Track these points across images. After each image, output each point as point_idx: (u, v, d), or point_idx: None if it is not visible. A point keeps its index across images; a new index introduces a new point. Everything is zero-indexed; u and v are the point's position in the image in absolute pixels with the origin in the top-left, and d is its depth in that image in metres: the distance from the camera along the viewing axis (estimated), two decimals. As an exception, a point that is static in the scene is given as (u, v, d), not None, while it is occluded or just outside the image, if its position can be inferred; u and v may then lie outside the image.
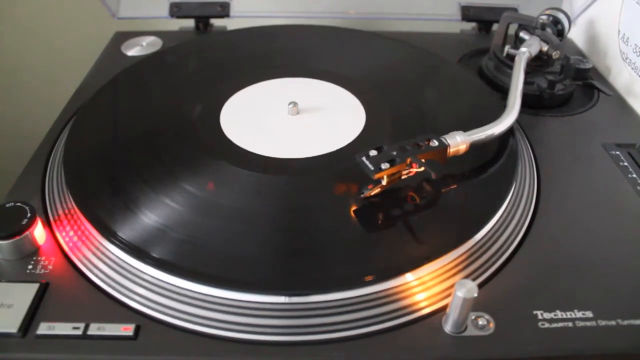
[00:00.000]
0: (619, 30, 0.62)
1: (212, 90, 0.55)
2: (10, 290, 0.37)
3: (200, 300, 0.36)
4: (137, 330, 0.35)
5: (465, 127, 0.45)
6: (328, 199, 0.43)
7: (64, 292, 0.37)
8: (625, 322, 0.36)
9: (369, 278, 0.36)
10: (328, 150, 0.47)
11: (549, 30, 0.58)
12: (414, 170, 0.42)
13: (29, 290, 0.37)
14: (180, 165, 0.46)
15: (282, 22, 0.70)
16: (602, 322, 0.36)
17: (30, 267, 0.39)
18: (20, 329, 0.34)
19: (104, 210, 0.41)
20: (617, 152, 0.51)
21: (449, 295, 0.35)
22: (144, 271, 0.38)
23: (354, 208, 0.42)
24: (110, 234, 0.39)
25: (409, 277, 0.37)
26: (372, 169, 0.40)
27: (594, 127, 0.55)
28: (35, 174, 0.47)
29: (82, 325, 0.35)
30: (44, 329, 0.35)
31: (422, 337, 0.35)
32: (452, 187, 0.44)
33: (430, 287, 0.37)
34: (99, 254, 0.39)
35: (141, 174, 0.45)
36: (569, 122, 0.56)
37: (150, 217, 0.41)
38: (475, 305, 0.35)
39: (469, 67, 0.64)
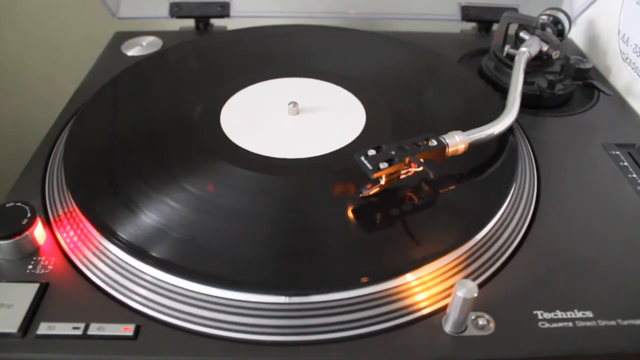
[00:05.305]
0: (619, 30, 0.62)
1: (212, 90, 0.55)
2: (10, 290, 0.37)
3: (200, 300, 0.36)
4: (137, 330, 0.35)
5: (465, 127, 0.45)
6: (328, 199, 0.43)
7: (64, 292, 0.37)
8: (625, 322, 0.36)
9: (364, 279, 0.36)
10: (328, 150, 0.47)
11: (549, 30, 0.58)
12: (413, 169, 0.42)
13: (29, 290, 0.37)
14: (180, 165, 0.45)
15: (282, 22, 0.70)
16: (602, 322, 0.36)
17: (30, 267, 0.39)
18: (20, 329, 0.34)
19: (104, 210, 0.41)
20: (617, 152, 0.51)
21: (449, 295, 0.35)
22: (144, 271, 0.38)
23: (353, 208, 0.42)
24: (110, 234, 0.39)
25: (409, 277, 0.37)
26: (371, 168, 0.40)
27: (594, 127, 0.55)
28: (35, 174, 0.47)
29: (82, 325, 0.35)
30: (44, 329, 0.35)
31: (422, 337, 0.35)
32: (452, 187, 0.44)
33: (430, 287, 0.37)
34: (99, 254, 0.39)
35: (141, 174, 0.45)
36: (569, 122, 0.56)
37: (150, 217, 0.41)
38: (475, 305, 0.35)
39: (469, 67, 0.64)
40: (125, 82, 0.57)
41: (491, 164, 0.47)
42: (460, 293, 0.32)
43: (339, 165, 0.46)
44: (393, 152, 0.41)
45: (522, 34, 0.60)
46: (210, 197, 0.43)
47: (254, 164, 0.45)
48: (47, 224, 0.42)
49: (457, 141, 0.43)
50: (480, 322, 0.35)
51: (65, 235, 0.41)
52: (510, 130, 0.48)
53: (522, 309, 0.37)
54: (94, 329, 0.34)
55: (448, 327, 0.35)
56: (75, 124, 0.51)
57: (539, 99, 0.57)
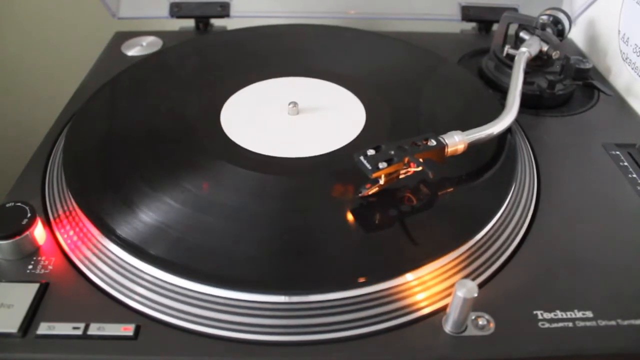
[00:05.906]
0: (619, 30, 0.62)
1: (212, 90, 0.55)
2: (10, 290, 0.37)
3: (200, 300, 0.36)
4: (137, 330, 0.35)
5: (465, 127, 0.45)
6: (328, 199, 0.43)
7: (64, 292, 0.37)
8: (625, 322, 0.36)
9: (362, 279, 0.36)
10: (328, 150, 0.47)
11: (549, 30, 0.58)
12: (412, 169, 0.42)
13: (29, 290, 0.37)
14: (180, 164, 0.45)
15: (282, 22, 0.70)
16: (602, 322, 0.36)
17: (30, 267, 0.39)
18: (20, 329, 0.34)
19: (104, 209, 0.41)
20: (617, 152, 0.51)
21: (449, 295, 0.35)
22: (144, 271, 0.38)
23: (353, 208, 0.42)
24: (110, 234, 0.39)
25: (409, 277, 0.37)
26: (370, 168, 0.40)
27: (594, 127, 0.55)
28: (35, 174, 0.47)
29: (82, 325, 0.35)
30: (44, 329, 0.35)
31: (422, 337, 0.35)
32: (451, 187, 0.44)
33: (430, 287, 0.37)
34: (99, 253, 0.39)
35: (141, 173, 0.45)
36: (569, 122, 0.56)
37: (150, 216, 0.41)
38: (475, 305, 0.35)
39: (469, 67, 0.64)
40: (124, 82, 0.57)
41: (491, 164, 0.47)
42: (460, 293, 0.32)
43: (339, 165, 0.46)
44: (392, 152, 0.41)
45: (522, 34, 0.60)
46: (210, 196, 0.43)
47: (254, 163, 0.45)
48: (47, 224, 0.42)
49: (456, 141, 0.43)
50: (480, 322, 0.35)
51: (65, 235, 0.41)
52: (510, 130, 0.48)
53: (522, 309, 0.37)
54: (94, 329, 0.34)
55: (448, 327, 0.35)
56: (75, 124, 0.51)
57: (539, 99, 0.57)
